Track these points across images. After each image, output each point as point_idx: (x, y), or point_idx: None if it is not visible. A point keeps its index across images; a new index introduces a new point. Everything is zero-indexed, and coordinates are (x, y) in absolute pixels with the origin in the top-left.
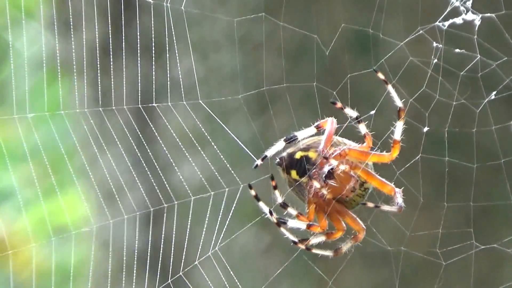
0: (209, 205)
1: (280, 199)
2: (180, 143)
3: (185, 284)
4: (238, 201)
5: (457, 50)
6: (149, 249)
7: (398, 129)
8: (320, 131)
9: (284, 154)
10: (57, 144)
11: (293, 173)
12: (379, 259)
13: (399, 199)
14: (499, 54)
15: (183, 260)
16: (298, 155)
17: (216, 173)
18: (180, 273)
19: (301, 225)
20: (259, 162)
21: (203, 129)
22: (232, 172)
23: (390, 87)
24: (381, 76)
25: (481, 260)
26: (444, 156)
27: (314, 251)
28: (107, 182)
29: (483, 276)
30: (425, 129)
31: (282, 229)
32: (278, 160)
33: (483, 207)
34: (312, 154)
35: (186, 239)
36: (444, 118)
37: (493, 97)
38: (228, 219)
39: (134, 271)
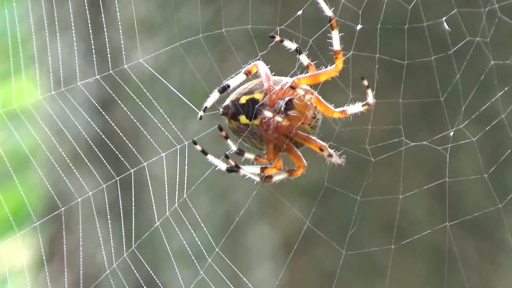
0: (162, 93)
1: (234, 147)
2: (132, 30)
3: (138, 175)
4: (192, 88)
5: None
6: (103, 137)
7: (335, 39)
8: (249, 76)
9: (227, 102)
10: (12, 29)
11: (242, 118)
12: (308, 154)
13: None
14: None
15: (135, 152)
16: (243, 100)
17: (168, 60)
18: (131, 170)
19: (255, 169)
20: (201, 113)
21: (155, 16)
22: (186, 56)
23: None
24: None
25: (410, 157)
26: (375, 53)
27: (243, 172)
28: (59, 69)
29: (412, 174)
30: (358, 26)
31: (242, 172)
32: (222, 110)
33: (412, 104)
34: (258, 95)
35: (138, 129)
36: (377, 15)
37: None
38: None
39: (86, 159)
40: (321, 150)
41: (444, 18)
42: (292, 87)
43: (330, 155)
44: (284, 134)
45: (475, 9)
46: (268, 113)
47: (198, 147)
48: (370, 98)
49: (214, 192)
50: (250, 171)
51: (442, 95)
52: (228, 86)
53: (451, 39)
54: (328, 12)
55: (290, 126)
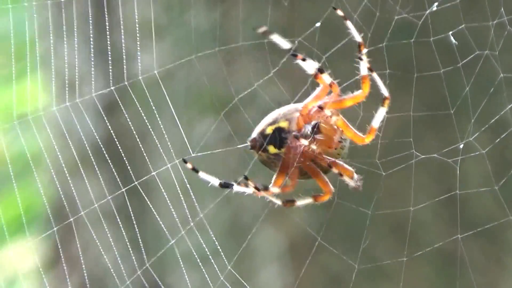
0: (169, 96)
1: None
2: (139, 33)
3: (145, 180)
4: (199, 91)
5: None
6: (110, 141)
7: (363, 64)
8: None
9: (254, 135)
10: (18, 32)
11: (271, 149)
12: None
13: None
14: None
15: (142, 156)
16: (269, 130)
17: (174, 64)
18: (135, 183)
19: (249, 190)
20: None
21: (162, 19)
22: (193, 60)
23: (349, 23)
24: (340, 13)
25: (421, 170)
26: (384, 69)
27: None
28: (66, 71)
29: (423, 186)
30: (364, 51)
31: (264, 194)
32: (250, 143)
33: (423, 116)
34: (283, 124)
35: (145, 132)
36: (383, 32)
37: (434, 8)
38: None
39: (93, 163)
40: (341, 175)
41: (451, 32)
42: (320, 109)
43: (342, 176)
44: (310, 158)
45: (483, 22)
46: (304, 141)
47: (189, 165)
48: (384, 90)
49: (220, 195)
50: (247, 191)
51: (452, 108)
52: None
53: (460, 52)
54: (358, 38)
55: (316, 151)
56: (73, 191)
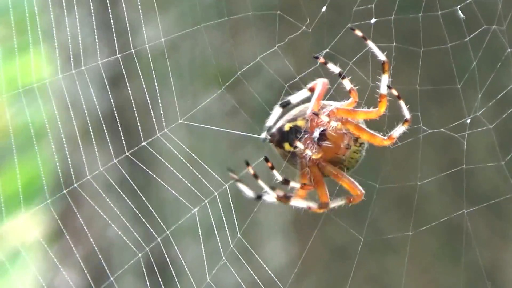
0: (173, 69)
1: (279, 177)
2: (142, 5)
3: (149, 151)
4: (202, 63)
5: None
6: (114, 113)
7: (384, 82)
8: (313, 93)
9: (274, 130)
10: (17, 6)
11: (287, 146)
12: None
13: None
14: None
15: (146, 128)
16: (287, 127)
17: (179, 36)
18: (144, 143)
19: (303, 204)
20: (264, 134)
21: None
22: (198, 32)
23: (370, 43)
24: (359, 33)
25: (428, 144)
26: (391, 42)
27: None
28: (70, 44)
29: (430, 161)
30: (373, 20)
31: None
32: (268, 137)
33: (429, 90)
34: (300, 123)
35: (150, 104)
36: (390, 6)
37: None
38: (192, 82)
39: (97, 135)
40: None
41: (459, 6)
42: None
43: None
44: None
45: None
46: (300, 145)
47: (251, 171)
48: (406, 113)
49: (225, 167)
50: (299, 205)
51: (459, 82)
52: (289, 101)
53: (468, 27)
54: (382, 56)
55: (324, 156)
56: (77, 162)
